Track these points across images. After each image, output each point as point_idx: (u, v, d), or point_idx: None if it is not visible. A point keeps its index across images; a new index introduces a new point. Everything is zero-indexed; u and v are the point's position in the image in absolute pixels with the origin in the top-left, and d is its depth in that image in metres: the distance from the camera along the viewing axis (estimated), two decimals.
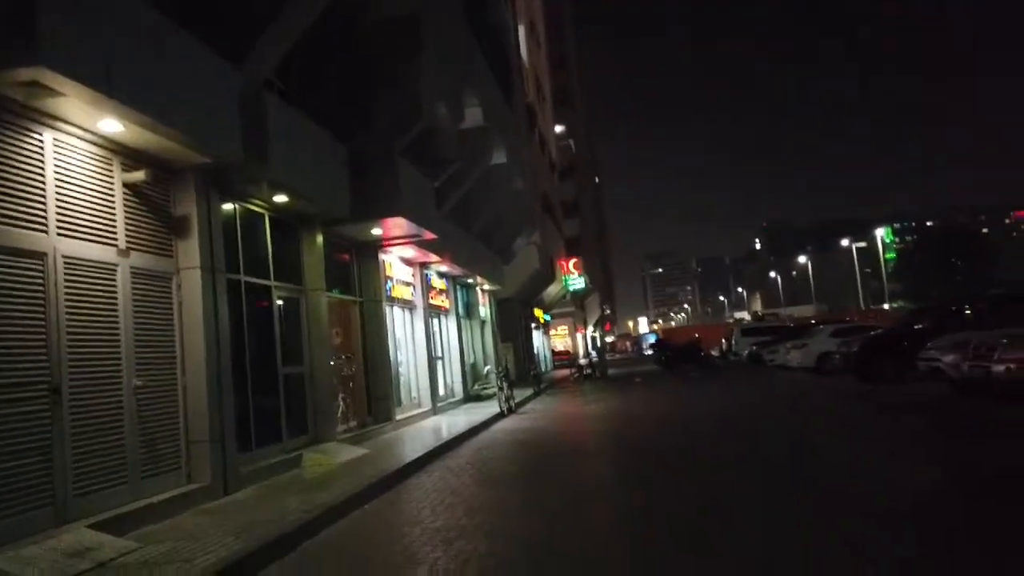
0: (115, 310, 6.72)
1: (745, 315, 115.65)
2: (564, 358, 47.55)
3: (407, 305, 15.90)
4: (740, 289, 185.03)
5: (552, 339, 49.91)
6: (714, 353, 39.29)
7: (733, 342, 36.81)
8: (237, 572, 4.98)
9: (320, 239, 11.09)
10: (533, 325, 36.55)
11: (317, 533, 6.22)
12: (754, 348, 30.78)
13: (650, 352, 58.84)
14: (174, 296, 7.60)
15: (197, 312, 7.65)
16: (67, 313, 6.13)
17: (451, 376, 19.39)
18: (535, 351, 36.31)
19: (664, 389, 21.43)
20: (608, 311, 73.86)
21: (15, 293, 5.67)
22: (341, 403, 12.50)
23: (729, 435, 10.58)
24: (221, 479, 7.65)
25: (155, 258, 7.38)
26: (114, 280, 6.74)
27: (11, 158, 5.76)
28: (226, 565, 4.95)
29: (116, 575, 4.90)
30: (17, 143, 5.83)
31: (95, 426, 6.32)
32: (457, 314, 20.04)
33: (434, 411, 16.10)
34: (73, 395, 6.10)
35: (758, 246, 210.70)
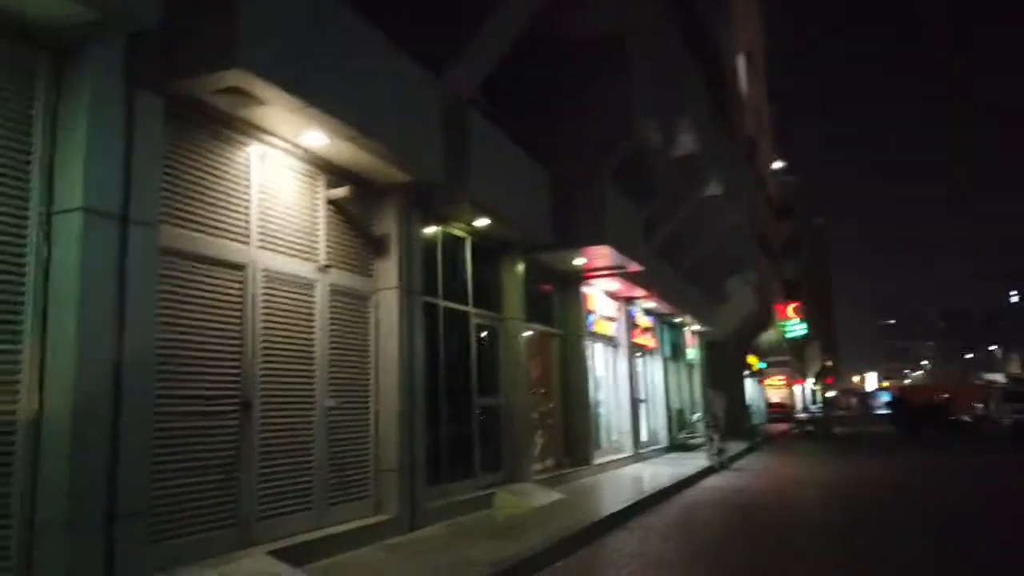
0: (311, 327, 6.54)
1: (999, 376, 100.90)
2: (779, 410, 43.83)
3: (610, 342, 15.03)
4: (993, 347, 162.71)
5: (767, 389, 46.34)
6: (965, 418, 34.05)
7: (991, 406, 31.47)
8: None
9: (521, 267, 10.61)
10: (746, 372, 33.97)
11: None
12: (1020, 417, 25.97)
13: (884, 411, 52.72)
14: (371, 316, 7.37)
15: (393, 334, 7.36)
16: (263, 327, 6.00)
17: (655, 421, 18.11)
18: (747, 401, 33.66)
19: (905, 457, 18.45)
20: (830, 363, 67.70)
21: (215, 304, 5.60)
22: (539, 440, 11.86)
23: (1007, 530, 8.42)
24: (408, 513, 7.20)
25: (353, 276, 7.20)
26: (312, 296, 6.58)
27: (220, 169, 5.76)
28: None
29: None
30: (226, 154, 5.83)
31: (284, 446, 6.10)
32: (663, 355, 18.81)
33: (636, 458, 14.95)
34: (264, 412, 5.92)
35: (1014, 298, 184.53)
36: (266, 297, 6.06)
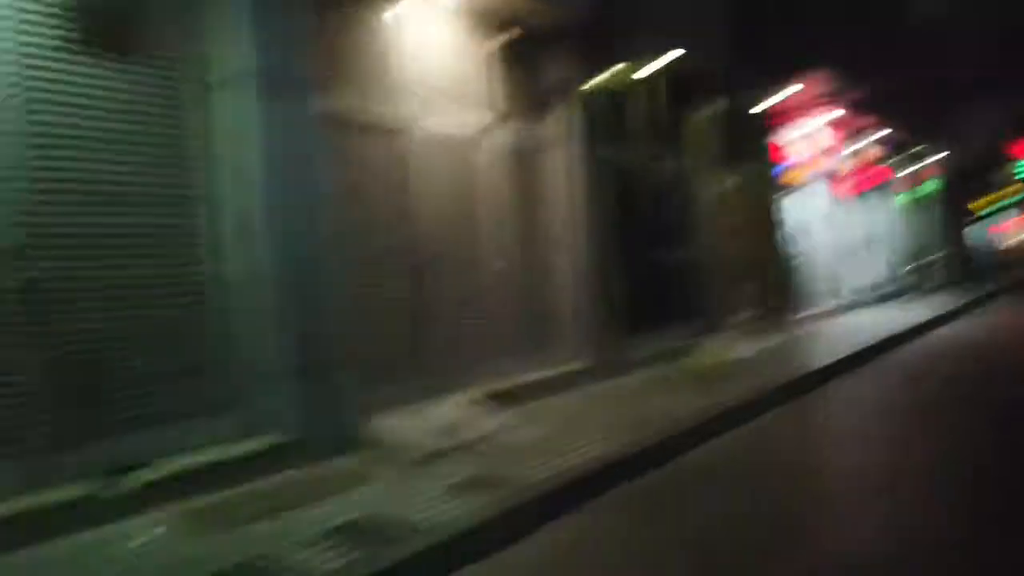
0: (488, 185, 6.42)
1: None
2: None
3: (827, 178, 13.64)
4: None
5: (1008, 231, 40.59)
6: None
7: None
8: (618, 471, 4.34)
9: (715, 107, 9.66)
10: (987, 211, 29.83)
11: (709, 439, 5.30)
12: None
13: None
14: (547, 171, 7.09)
15: (572, 187, 7.08)
16: (428, 188, 5.95)
17: (879, 264, 16.55)
18: (989, 239, 29.76)
19: None
20: None
21: (380, 169, 5.60)
22: (748, 289, 11.26)
23: None
24: (606, 362, 7.20)
25: (521, 132, 6.88)
26: (480, 154, 6.38)
27: (373, 30, 5.58)
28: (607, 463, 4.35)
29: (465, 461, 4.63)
30: (377, 14, 5.63)
31: (465, 301, 6.21)
32: (893, 190, 16.85)
33: (854, 306, 13.86)
34: (441, 272, 6.03)
35: None
36: (428, 157, 5.96)
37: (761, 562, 3.26)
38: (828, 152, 13.77)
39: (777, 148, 11.75)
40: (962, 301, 14.02)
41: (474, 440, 4.94)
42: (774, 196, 11.70)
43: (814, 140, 13.20)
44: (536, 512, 3.77)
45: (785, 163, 12.16)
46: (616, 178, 8.17)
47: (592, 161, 7.37)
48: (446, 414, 5.23)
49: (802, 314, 11.93)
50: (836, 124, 13.43)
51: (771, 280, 11.67)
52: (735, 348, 8.83)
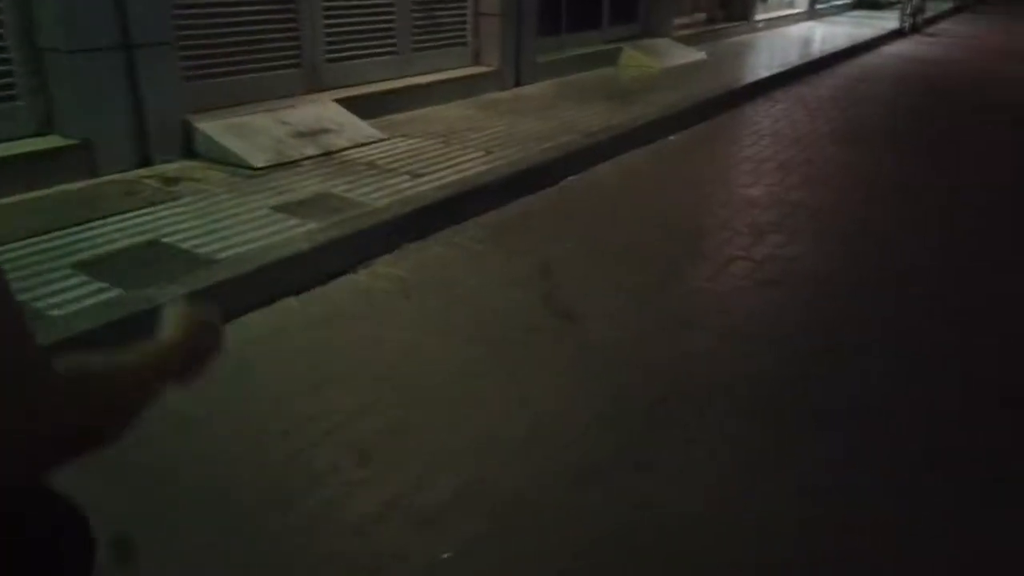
0: None
1: None
2: None
3: None
4: None
5: None
6: None
7: None
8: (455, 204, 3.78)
9: None
10: None
11: (597, 162, 4.73)
12: None
13: None
14: None
15: None
16: None
17: None
18: None
19: None
20: None
21: None
22: None
23: None
24: (512, 66, 6.30)
25: None
26: None
27: None
28: (450, 196, 3.76)
29: (333, 171, 4.00)
30: None
31: None
32: None
33: (810, 15, 12.70)
34: None
35: None
36: None
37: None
38: None
39: None
40: (939, 10, 13.01)
41: (329, 152, 4.25)
42: None
43: None
44: (374, 242, 3.26)
45: None
46: None
47: None
48: (304, 117, 4.46)
49: (758, 19, 10.82)
50: None
51: None
52: (668, 56, 7.95)
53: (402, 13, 5.46)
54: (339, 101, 4.75)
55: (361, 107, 4.81)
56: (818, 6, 13.13)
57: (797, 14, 12.31)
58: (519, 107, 5.71)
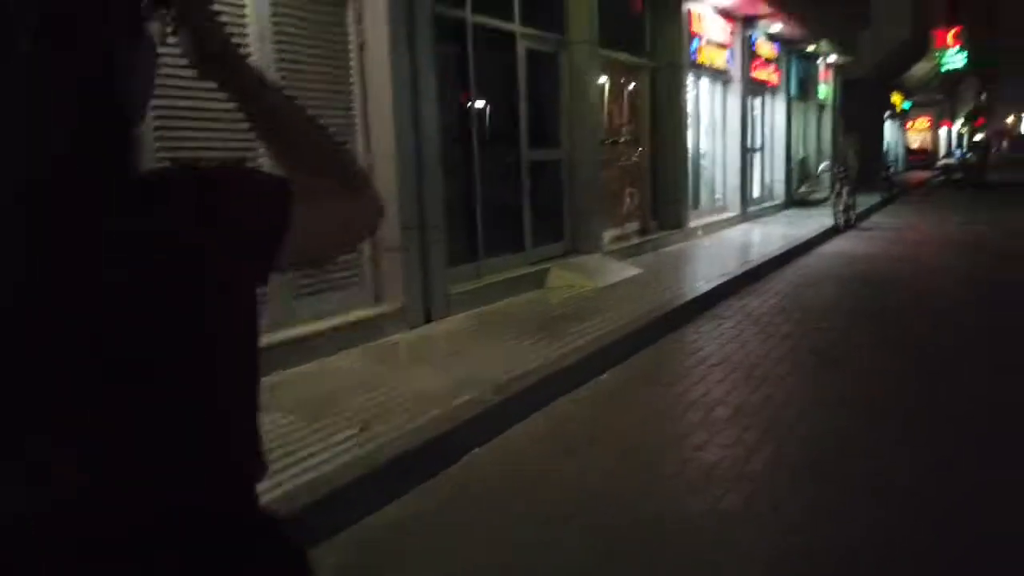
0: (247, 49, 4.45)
1: None
2: (920, 158, 38.96)
3: (719, 76, 12.11)
4: None
5: (908, 133, 41.11)
6: None
7: None
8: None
9: None
10: (887, 114, 29.49)
11: (494, 434, 3.77)
12: None
13: None
14: (350, 35, 5.15)
15: (385, 61, 5.17)
16: None
17: (771, 173, 15.45)
18: (886, 147, 29.58)
19: None
20: (983, 99, 58.92)
21: None
22: (628, 199, 9.79)
23: None
24: (420, 302, 5.52)
25: None
26: (243, 14, 4.38)
27: None
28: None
29: None
30: None
31: None
32: (788, 93, 15.59)
33: (743, 217, 12.69)
34: None
35: None
36: None
37: None
38: (728, 43, 12.18)
39: (679, 30, 9.99)
40: (868, 205, 13.08)
41: None
42: (670, 88, 10.06)
43: (717, 26, 11.55)
44: None
45: (688, 48, 10.47)
46: (463, 52, 6.31)
47: (425, 23, 5.44)
48: None
49: (691, 226, 10.59)
50: (736, 9, 11.81)
51: (661, 188, 10.21)
52: (601, 273, 7.36)
53: None
54: None
55: None
56: (750, 208, 13.19)
57: (730, 218, 12.26)
58: (424, 352, 4.83)
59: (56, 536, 0.70)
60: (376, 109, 5.22)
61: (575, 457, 3.45)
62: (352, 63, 5.15)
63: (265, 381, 3.51)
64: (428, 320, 5.58)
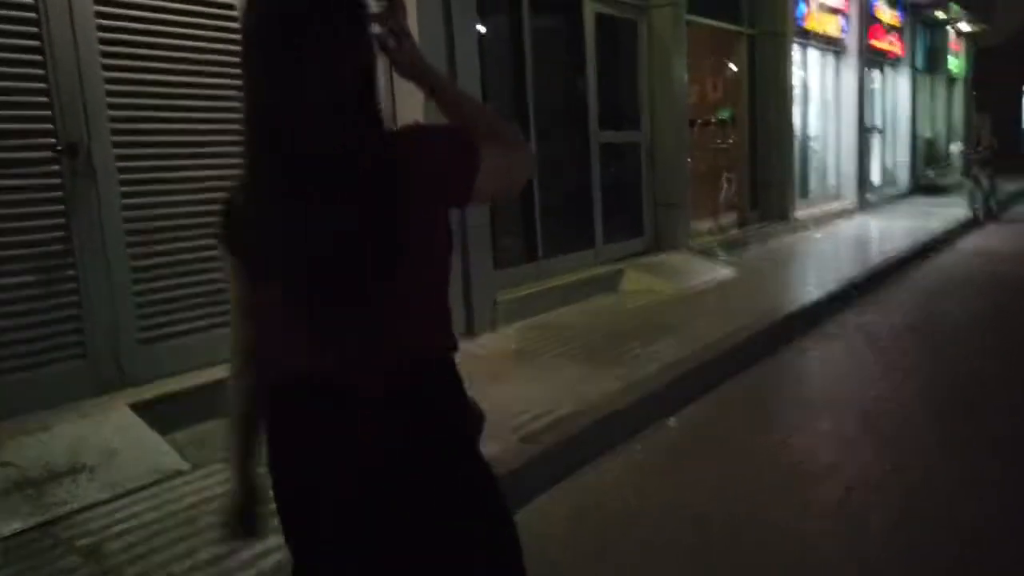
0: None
1: None
2: None
3: (831, 45, 10.62)
4: None
5: None
6: None
7: None
8: None
9: None
10: None
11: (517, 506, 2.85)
12: None
13: None
14: None
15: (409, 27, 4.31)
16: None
17: (893, 157, 13.70)
18: None
19: None
20: None
21: None
22: (724, 187, 8.63)
23: None
24: (460, 312, 4.68)
25: None
26: None
27: None
28: None
29: None
30: None
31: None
32: (912, 66, 13.76)
33: (861, 207, 11.14)
34: None
35: None
36: None
37: None
38: (842, 7, 10.69)
39: None
40: (995, 201, 11.26)
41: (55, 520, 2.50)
42: (773, 60, 8.77)
43: None
44: None
45: (794, 13, 9.13)
46: (517, 14, 5.41)
47: None
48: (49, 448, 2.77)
49: (798, 216, 9.27)
50: None
51: (762, 174, 8.96)
52: (685, 275, 6.29)
53: None
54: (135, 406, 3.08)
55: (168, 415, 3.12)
56: (869, 196, 11.61)
57: (846, 207, 10.76)
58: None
59: (338, 385, 1.07)
60: (403, 83, 4.36)
61: (605, 563, 2.46)
62: None
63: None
64: (470, 333, 4.72)
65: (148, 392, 3.19)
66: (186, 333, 3.41)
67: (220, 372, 3.39)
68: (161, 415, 3.07)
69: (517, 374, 3.93)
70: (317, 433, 1.08)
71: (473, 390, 1.20)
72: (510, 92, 5.46)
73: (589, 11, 6.06)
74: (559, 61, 6.09)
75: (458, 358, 1.16)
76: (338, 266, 1.02)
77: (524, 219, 5.61)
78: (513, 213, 5.59)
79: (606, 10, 6.27)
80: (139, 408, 3.05)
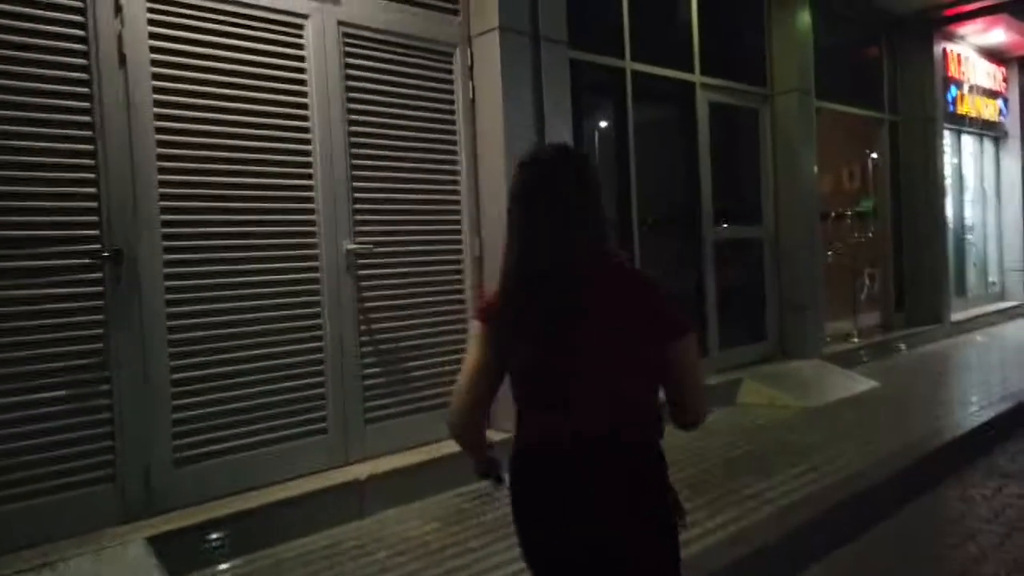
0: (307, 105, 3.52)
1: None
2: None
3: (988, 130, 9.56)
4: None
5: None
6: None
7: None
8: None
9: (806, 12, 6.20)
10: None
11: None
12: None
13: None
14: (457, 83, 4.08)
15: (496, 120, 4.03)
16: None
17: None
18: None
19: None
20: None
21: None
22: (868, 285, 7.75)
23: None
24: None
25: (407, 11, 3.89)
26: (301, 43, 3.48)
27: None
28: None
29: None
30: None
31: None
32: None
33: None
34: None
35: None
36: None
37: None
38: (1000, 89, 9.69)
39: (929, 75, 7.88)
40: None
41: None
42: (920, 146, 7.92)
43: (984, 69, 9.21)
44: None
45: (944, 97, 8.31)
46: (622, 104, 5.07)
47: (560, 68, 4.30)
48: None
49: (954, 319, 8.13)
50: (1009, 48, 9.35)
51: (910, 271, 7.98)
52: (816, 388, 5.49)
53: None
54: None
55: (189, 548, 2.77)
56: None
57: (1011, 308, 9.39)
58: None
59: (578, 450, 1.42)
60: (488, 185, 4.06)
61: None
62: (458, 125, 4.07)
63: None
64: None
65: (173, 522, 2.88)
66: (226, 453, 3.12)
67: (271, 495, 3.10)
68: (182, 547, 2.74)
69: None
70: (558, 490, 1.45)
71: None
72: (611, 187, 5.06)
73: (702, 100, 5.63)
74: (668, 153, 5.66)
75: None
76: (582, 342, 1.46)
77: None
78: None
79: (720, 98, 5.81)
80: (157, 541, 2.73)
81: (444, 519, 3.29)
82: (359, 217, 3.59)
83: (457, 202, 4.04)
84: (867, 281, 7.90)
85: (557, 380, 1.44)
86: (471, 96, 4.06)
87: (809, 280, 6.23)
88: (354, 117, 3.59)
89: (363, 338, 3.60)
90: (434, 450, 3.65)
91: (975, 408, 4.91)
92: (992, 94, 9.51)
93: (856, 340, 7.03)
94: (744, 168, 6.20)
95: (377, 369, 3.64)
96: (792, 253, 6.20)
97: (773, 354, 6.11)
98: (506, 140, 3.94)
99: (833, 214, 7.28)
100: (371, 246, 3.61)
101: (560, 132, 4.21)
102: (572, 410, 1.42)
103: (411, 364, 3.77)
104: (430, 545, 3.00)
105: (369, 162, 3.65)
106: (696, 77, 5.57)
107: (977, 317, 8.57)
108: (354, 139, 3.59)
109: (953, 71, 8.58)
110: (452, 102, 4.02)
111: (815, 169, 6.43)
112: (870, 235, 7.60)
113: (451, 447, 3.56)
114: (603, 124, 5.15)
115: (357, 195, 3.58)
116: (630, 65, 5.03)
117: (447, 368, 3.86)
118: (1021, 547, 3.09)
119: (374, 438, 3.60)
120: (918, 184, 7.89)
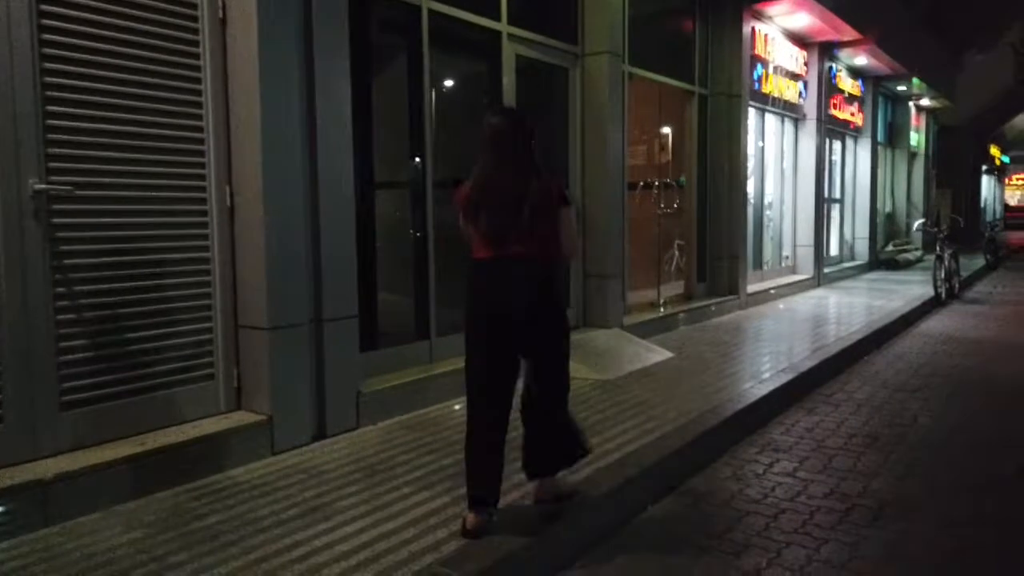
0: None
1: None
2: (1019, 216, 35.43)
3: (789, 111, 10.04)
4: None
5: (1006, 190, 37.69)
6: None
7: None
8: None
9: None
10: (984, 168, 26.57)
11: None
12: None
13: None
14: (203, 33, 3.39)
15: (252, 69, 3.39)
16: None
17: (852, 229, 13.17)
18: (982, 204, 26.58)
19: None
20: None
21: None
22: (675, 255, 7.86)
23: None
24: (314, 408, 3.66)
25: None
26: None
27: None
28: None
29: None
30: None
31: None
32: (873, 138, 13.33)
33: (817, 281, 10.43)
34: None
35: None
36: None
37: None
38: (801, 73, 10.16)
39: (738, 52, 8.02)
40: (958, 280, 10.62)
41: None
42: (725, 122, 8.07)
43: (788, 51, 9.58)
44: None
45: (751, 75, 8.52)
46: (416, 54, 4.55)
47: (341, 12, 3.70)
48: None
49: (750, 291, 8.49)
50: (811, 33, 9.80)
51: (711, 244, 8.17)
52: (615, 359, 5.38)
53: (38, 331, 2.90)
54: None
55: None
56: (826, 270, 10.92)
57: (802, 281, 10.03)
58: (258, 508, 2.90)
59: (511, 263, 2.64)
60: (242, 129, 3.43)
61: None
62: (203, 51, 3.38)
63: None
64: (320, 435, 3.70)
65: None
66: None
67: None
68: None
69: (346, 504, 2.90)
70: (497, 281, 2.62)
71: None
72: (400, 145, 4.56)
73: (508, 52, 5.25)
74: (468, 110, 5.25)
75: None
76: (513, 212, 2.55)
77: (415, 289, 4.66)
78: (400, 281, 4.64)
79: (528, 52, 5.46)
80: None
81: (154, 524, 2.71)
82: (54, 150, 2.85)
83: (201, 142, 3.38)
84: (676, 252, 8.03)
85: (504, 230, 2.58)
86: (220, 16, 3.39)
87: (613, 249, 6.12)
88: (48, 23, 2.83)
89: (60, 303, 2.90)
90: (151, 440, 3.04)
91: (757, 381, 4.98)
92: (794, 76, 9.97)
93: (662, 310, 7.09)
94: (551, 130, 5.92)
95: (78, 342, 2.95)
96: (598, 221, 6.05)
97: (575, 324, 5.95)
98: (261, 83, 3.33)
99: (642, 183, 7.26)
100: (70, 187, 2.89)
101: (334, 81, 3.65)
102: (510, 243, 2.57)
103: (129, 336, 3.11)
104: (120, 563, 2.42)
105: (71, 82, 2.90)
106: (503, 26, 5.18)
107: (770, 289, 9.02)
108: (48, 50, 2.83)
109: (760, 50, 8.84)
110: (196, 19, 3.33)
111: (624, 136, 6.30)
112: (674, 206, 7.68)
113: (174, 437, 3.00)
114: (394, 72, 4.62)
115: (51, 122, 2.84)
116: (427, 3, 4.53)
117: (181, 340, 3.24)
118: (785, 531, 3.02)
119: (71, 427, 2.93)
120: (723, 159, 8.08)
